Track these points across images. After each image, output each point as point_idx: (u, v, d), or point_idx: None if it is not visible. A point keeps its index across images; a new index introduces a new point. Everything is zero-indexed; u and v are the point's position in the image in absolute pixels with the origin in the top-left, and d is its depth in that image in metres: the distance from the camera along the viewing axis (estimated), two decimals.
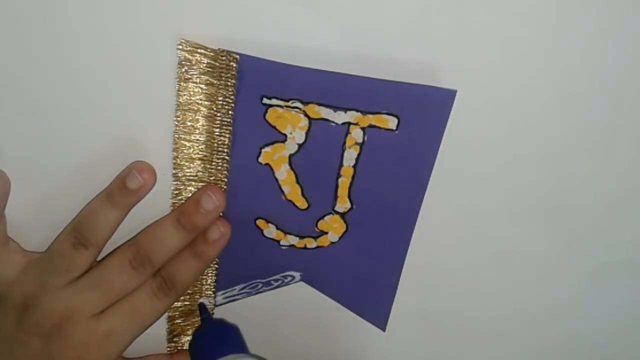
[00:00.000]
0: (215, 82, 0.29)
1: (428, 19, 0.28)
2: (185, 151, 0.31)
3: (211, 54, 0.28)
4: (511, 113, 0.31)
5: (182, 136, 0.30)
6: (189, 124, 0.30)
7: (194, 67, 0.29)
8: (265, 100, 0.29)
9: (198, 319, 0.36)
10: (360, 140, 0.30)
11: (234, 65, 0.28)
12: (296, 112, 0.30)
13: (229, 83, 0.29)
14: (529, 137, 0.31)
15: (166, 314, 0.35)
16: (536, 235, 0.35)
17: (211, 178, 0.31)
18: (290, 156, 0.31)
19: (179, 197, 0.32)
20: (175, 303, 0.35)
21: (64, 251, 0.31)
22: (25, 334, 0.30)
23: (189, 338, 0.36)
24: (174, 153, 0.31)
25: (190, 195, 0.32)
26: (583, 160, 0.32)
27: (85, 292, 0.31)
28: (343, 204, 0.32)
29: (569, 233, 0.35)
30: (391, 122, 0.30)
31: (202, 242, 0.32)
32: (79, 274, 0.31)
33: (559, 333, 0.39)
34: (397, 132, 0.30)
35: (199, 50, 0.28)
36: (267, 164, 0.31)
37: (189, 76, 0.29)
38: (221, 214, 0.32)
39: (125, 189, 0.30)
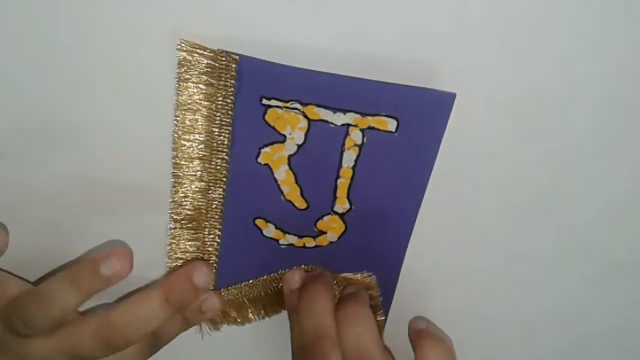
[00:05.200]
0: (214, 82, 0.29)
1: (428, 19, 0.28)
2: (184, 150, 0.31)
3: (210, 54, 0.28)
4: (511, 115, 0.30)
5: (182, 135, 0.30)
6: (188, 123, 0.30)
7: (194, 67, 0.29)
8: (264, 101, 0.29)
9: None
10: (360, 142, 0.30)
11: (234, 65, 0.28)
12: (295, 113, 0.30)
13: (229, 83, 0.29)
14: (529, 138, 0.31)
15: None
16: (536, 237, 0.34)
17: (210, 177, 0.32)
18: (290, 157, 0.31)
19: (177, 196, 0.32)
20: None
21: (3, 337, 0.27)
22: None
23: None
24: (174, 152, 0.31)
25: (189, 195, 0.32)
26: (584, 161, 0.32)
27: None
28: (342, 205, 0.32)
29: (569, 234, 0.34)
30: (390, 124, 0.30)
31: None
32: None
33: (560, 334, 0.39)
34: (396, 134, 0.30)
35: (198, 51, 0.28)
36: (266, 164, 0.31)
37: (189, 76, 0.29)
38: (219, 216, 0.32)
39: (96, 274, 0.26)
